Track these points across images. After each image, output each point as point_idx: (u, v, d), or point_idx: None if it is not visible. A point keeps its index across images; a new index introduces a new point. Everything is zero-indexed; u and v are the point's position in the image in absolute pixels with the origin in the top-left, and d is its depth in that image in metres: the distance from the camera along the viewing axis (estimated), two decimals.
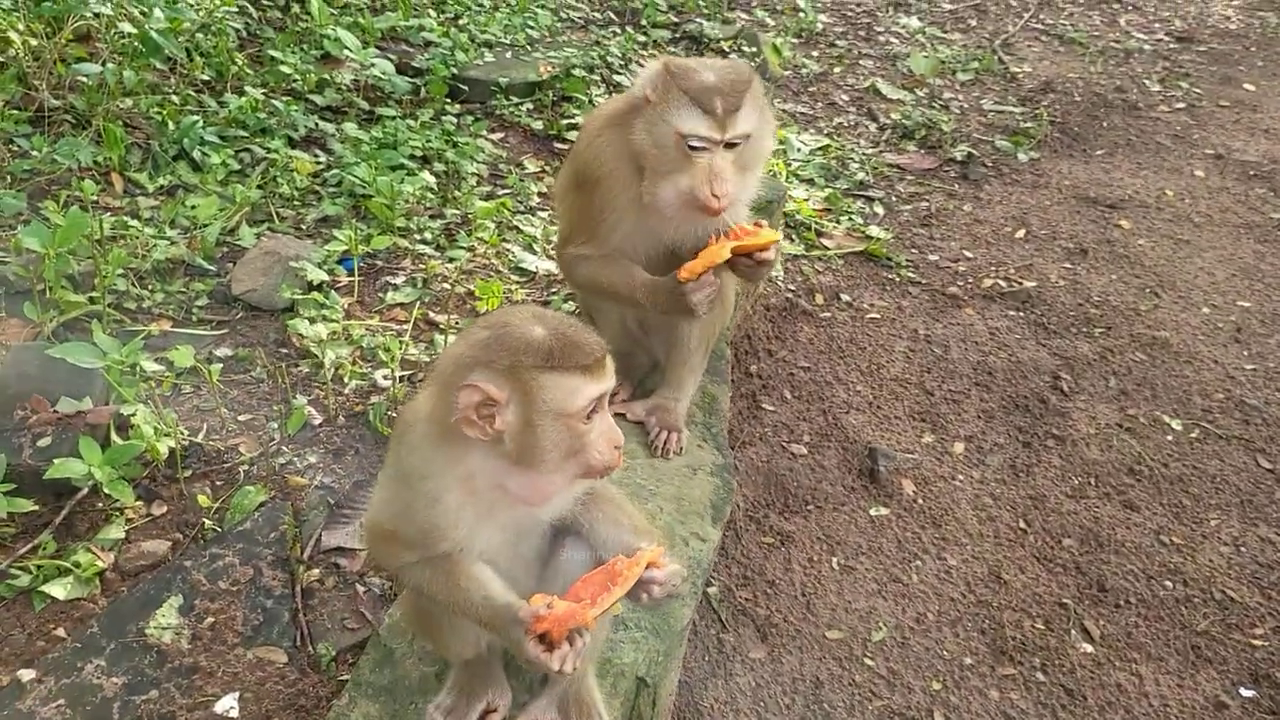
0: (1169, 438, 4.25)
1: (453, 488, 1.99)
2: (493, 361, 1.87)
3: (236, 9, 5.97)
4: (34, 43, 5.02)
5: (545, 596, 1.95)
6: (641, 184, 2.96)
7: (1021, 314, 4.96)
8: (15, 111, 4.69)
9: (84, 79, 4.93)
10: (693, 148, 2.81)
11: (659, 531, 2.27)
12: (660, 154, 2.87)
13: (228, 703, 2.64)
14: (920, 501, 3.85)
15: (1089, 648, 3.33)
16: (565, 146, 5.74)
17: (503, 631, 2.00)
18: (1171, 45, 8.62)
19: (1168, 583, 3.59)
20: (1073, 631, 3.38)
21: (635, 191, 2.99)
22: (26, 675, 2.65)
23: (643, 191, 2.95)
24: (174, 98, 5.24)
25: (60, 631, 2.81)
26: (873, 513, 3.78)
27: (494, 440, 1.90)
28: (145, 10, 5.20)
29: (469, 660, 2.32)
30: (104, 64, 4.83)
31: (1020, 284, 5.17)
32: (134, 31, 5.04)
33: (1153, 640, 3.38)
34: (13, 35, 4.90)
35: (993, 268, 5.33)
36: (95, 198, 4.35)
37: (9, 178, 4.43)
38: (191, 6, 5.41)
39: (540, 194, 5.29)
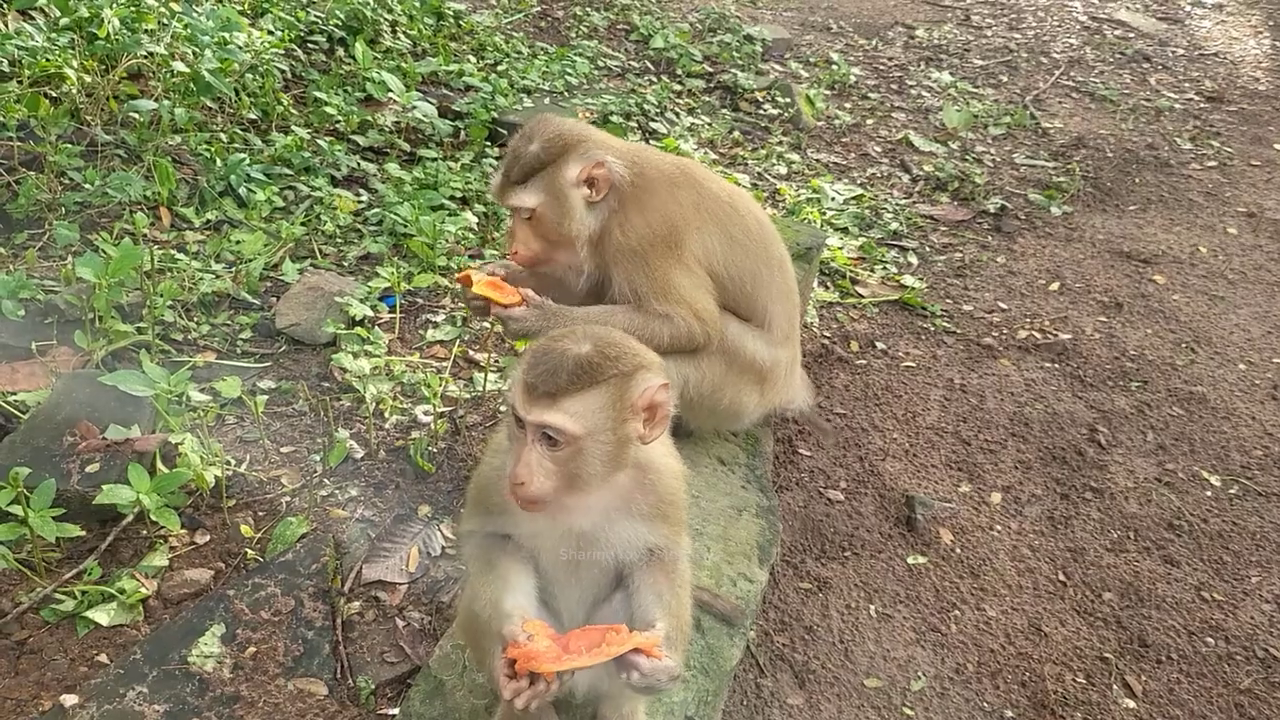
0: (1208, 493, 4.22)
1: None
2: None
3: (283, 51, 6.11)
4: (88, 79, 5.13)
5: (540, 626, 1.97)
6: None
7: (1057, 366, 4.95)
8: (69, 146, 4.78)
9: (135, 115, 5.04)
10: None
11: (683, 630, 2.22)
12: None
13: None
14: (958, 551, 3.83)
15: (1131, 703, 3.28)
16: None
17: (487, 634, 2.07)
18: (1202, 104, 8.66)
19: (1209, 639, 3.55)
20: (1114, 686, 3.34)
21: None
22: (69, 700, 2.66)
23: None
24: (221, 135, 5.34)
25: (103, 657, 2.82)
26: (910, 561, 3.76)
27: None
28: (197, 51, 5.32)
29: None
30: (159, 101, 4.93)
31: (1055, 336, 5.17)
32: (186, 71, 5.16)
33: (1195, 697, 3.33)
34: (68, 72, 5.01)
35: (1027, 319, 5.33)
36: (145, 231, 4.42)
37: (62, 209, 4.52)
38: (242, 49, 5.52)
39: None
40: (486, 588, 2.09)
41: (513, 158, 3.08)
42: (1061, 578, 3.75)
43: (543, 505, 1.99)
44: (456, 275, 3.35)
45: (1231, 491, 4.23)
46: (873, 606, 3.55)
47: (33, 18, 5.46)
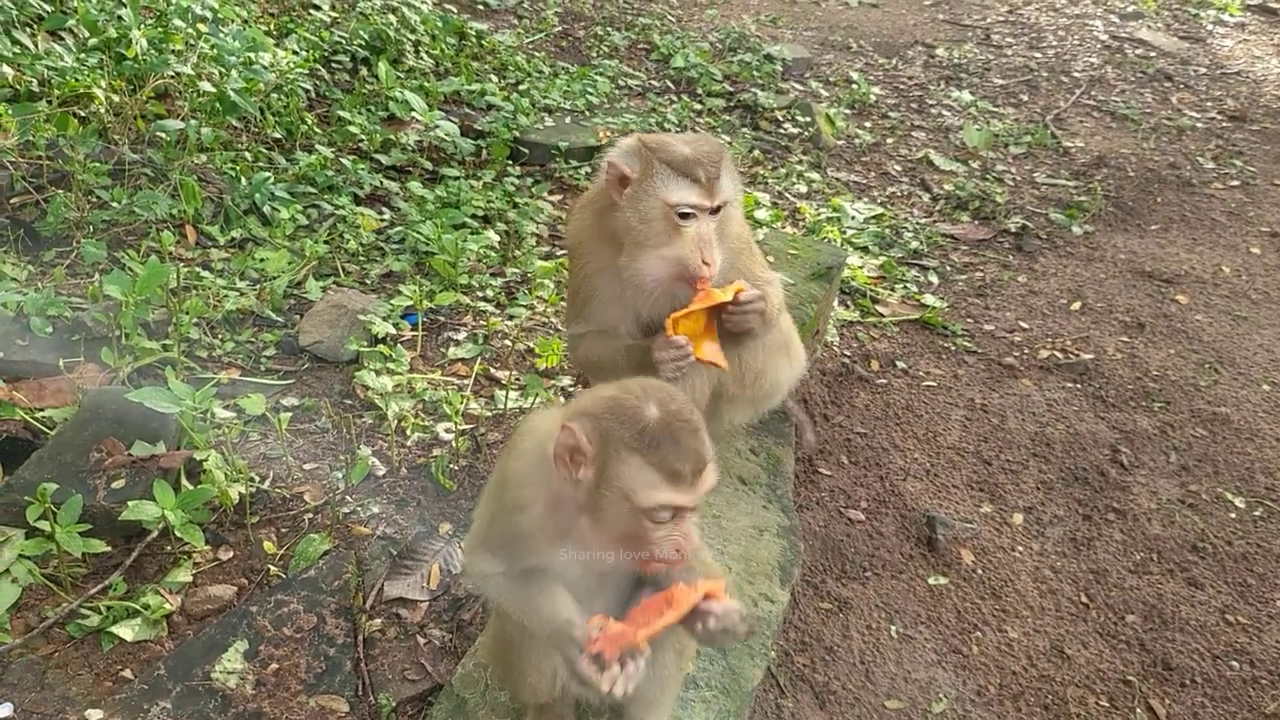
0: (1232, 515, 4.19)
1: (541, 499, 2.04)
2: (600, 417, 1.91)
3: (308, 71, 6.17)
4: (116, 99, 5.20)
5: (603, 618, 1.98)
6: (619, 260, 2.94)
7: (1079, 386, 4.93)
8: (97, 164, 4.84)
9: (162, 135, 5.11)
10: (683, 215, 2.81)
11: (729, 577, 2.27)
12: (646, 228, 2.84)
13: None
14: (980, 572, 3.81)
15: None
16: None
17: (561, 648, 2.05)
18: (1224, 124, 8.63)
19: (1234, 663, 3.51)
20: (1138, 710, 3.31)
21: (615, 269, 2.98)
22: (94, 715, 2.68)
23: (621, 268, 2.94)
24: (246, 154, 5.40)
25: (127, 673, 2.84)
26: (931, 582, 3.74)
27: (574, 484, 1.95)
28: (223, 71, 5.38)
29: (542, 705, 2.32)
30: (186, 120, 4.99)
31: (1077, 356, 5.15)
32: (212, 90, 5.22)
33: None
34: (96, 92, 5.08)
35: (1049, 339, 5.31)
36: (171, 249, 4.47)
37: (89, 227, 4.58)
38: (267, 69, 5.59)
39: None
40: (540, 609, 2.09)
41: (698, 152, 2.82)
42: (1084, 599, 3.73)
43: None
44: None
45: (1256, 513, 4.19)
46: (894, 627, 3.53)
47: (62, 38, 5.54)
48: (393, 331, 4.30)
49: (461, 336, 4.50)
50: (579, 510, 1.99)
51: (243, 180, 5.08)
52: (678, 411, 1.94)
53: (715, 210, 2.85)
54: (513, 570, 2.13)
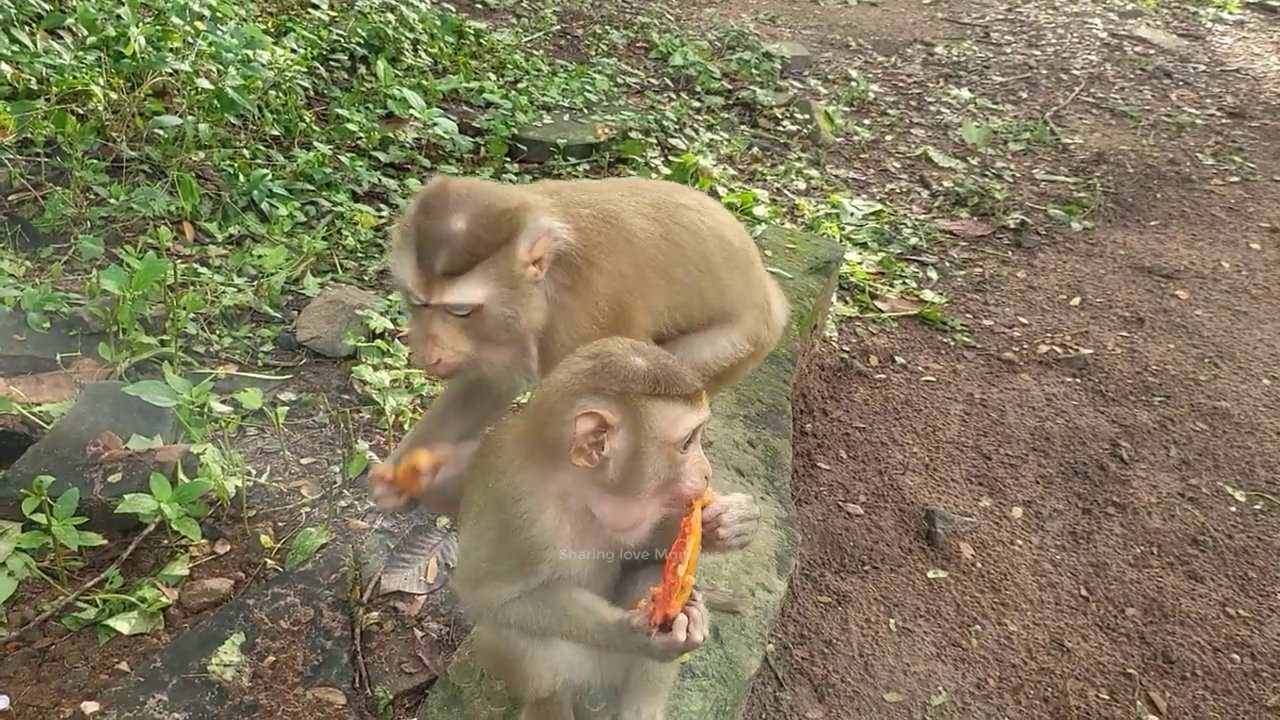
0: (1232, 509, 4.18)
1: (549, 505, 2.00)
2: (602, 388, 1.90)
3: (306, 69, 6.17)
4: (114, 97, 5.20)
5: (646, 600, 2.00)
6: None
7: (1078, 381, 4.92)
8: (94, 161, 4.84)
9: (160, 131, 5.10)
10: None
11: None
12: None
13: None
14: (979, 565, 3.80)
15: (1155, 719, 3.25)
16: None
17: (626, 645, 2.05)
18: (1223, 121, 8.63)
19: (1235, 655, 3.50)
20: (1138, 703, 3.30)
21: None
22: (90, 708, 2.67)
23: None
24: (244, 151, 5.39)
25: (124, 665, 2.83)
26: (930, 575, 3.73)
27: (598, 467, 1.92)
28: (221, 68, 5.38)
29: (540, 700, 2.31)
30: (184, 116, 4.98)
31: (1077, 351, 5.14)
32: (210, 88, 5.22)
33: (1220, 714, 3.29)
34: (94, 89, 5.08)
35: (1048, 334, 5.30)
36: (169, 245, 4.46)
37: (87, 224, 4.57)
38: (265, 66, 5.58)
39: None
40: (579, 619, 2.08)
41: (432, 241, 2.29)
42: (1084, 593, 3.72)
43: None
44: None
45: (1256, 507, 4.19)
46: (892, 620, 3.53)
47: (60, 36, 5.54)
48: (390, 327, 4.30)
49: None
50: (600, 492, 1.97)
51: (241, 177, 5.07)
52: (650, 348, 2.02)
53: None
54: (529, 588, 2.08)
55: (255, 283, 4.53)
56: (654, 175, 6.14)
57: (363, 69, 6.77)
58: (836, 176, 6.95)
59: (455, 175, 5.65)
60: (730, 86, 8.10)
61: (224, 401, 3.66)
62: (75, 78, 5.12)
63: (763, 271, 3.09)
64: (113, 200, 4.68)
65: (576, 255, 2.48)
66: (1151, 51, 10.21)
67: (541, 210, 2.42)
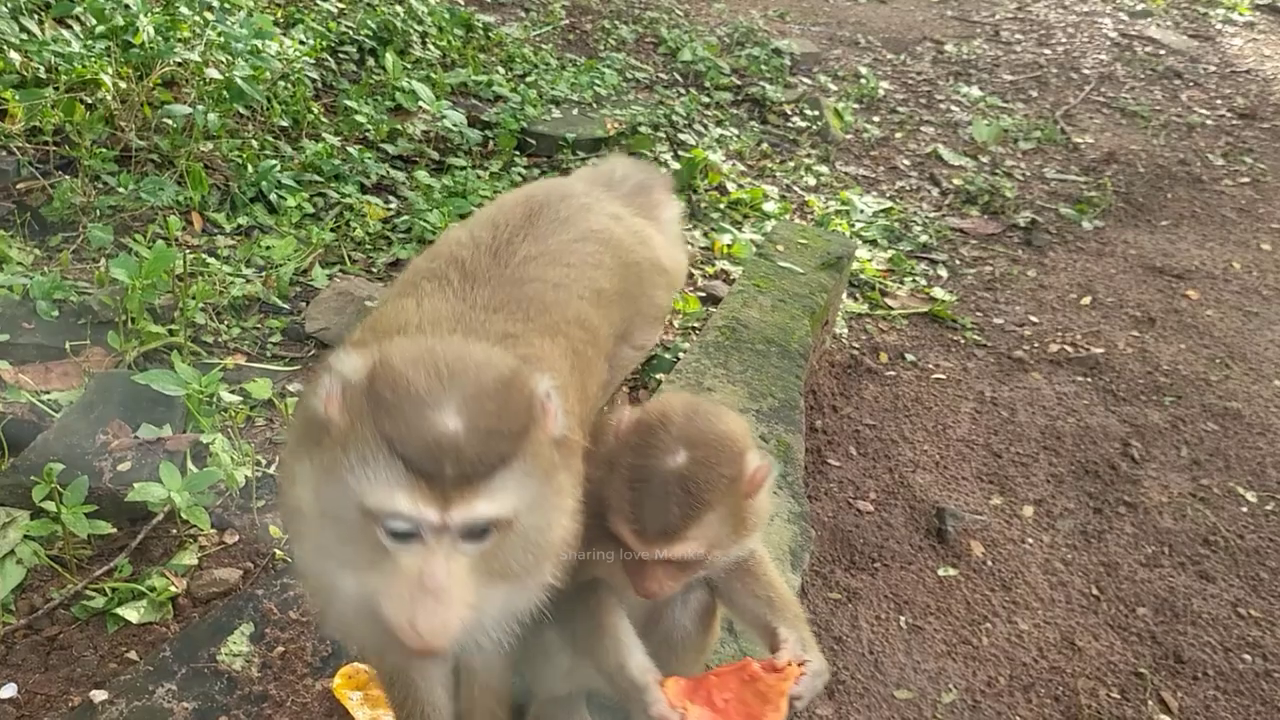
0: (1244, 509, 4.16)
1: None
2: None
3: (314, 60, 6.15)
4: (122, 86, 5.18)
5: (674, 683, 1.94)
6: None
7: (1089, 380, 4.90)
8: (103, 150, 4.83)
9: (169, 121, 5.08)
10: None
11: (795, 607, 2.18)
12: None
13: None
14: (989, 563, 3.78)
15: (1167, 719, 3.22)
16: None
17: (630, 705, 1.99)
18: (1234, 121, 8.60)
19: (1247, 656, 3.48)
20: (1150, 702, 3.28)
21: None
22: (99, 696, 2.65)
23: None
24: (253, 142, 5.37)
25: (132, 654, 2.82)
26: (941, 573, 3.71)
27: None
28: (230, 59, 5.36)
29: (556, 699, 2.30)
30: (194, 106, 4.97)
31: (1087, 350, 5.12)
32: (219, 78, 5.20)
33: (1233, 714, 3.27)
34: (103, 78, 5.06)
35: (1059, 333, 5.28)
36: (177, 235, 4.45)
37: (95, 212, 4.56)
38: (274, 57, 5.57)
39: None
40: (604, 651, 1.99)
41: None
42: (1095, 592, 3.70)
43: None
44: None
45: (1268, 508, 4.16)
46: (903, 618, 3.51)
47: (69, 25, 5.52)
48: None
49: None
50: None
51: (249, 168, 5.06)
52: (700, 448, 1.97)
53: None
54: (581, 577, 2.02)
55: (263, 274, 4.51)
56: (664, 169, 6.12)
57: (371, 61, 6.75)
58: (846, 173, 6.93)
59: (468, 168, 5.63)
60: (739, 82, 8.08)
61: (233, 391, 3.64)
62: (84, 67, 5.10)
63: (637, 245, 2.75)
64: (121, 189, 4.67)
65: None
66: (1162, 52, 10.18)
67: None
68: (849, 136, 7.54)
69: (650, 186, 3.01)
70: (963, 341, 5.14)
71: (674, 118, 6.97)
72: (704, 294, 4.98)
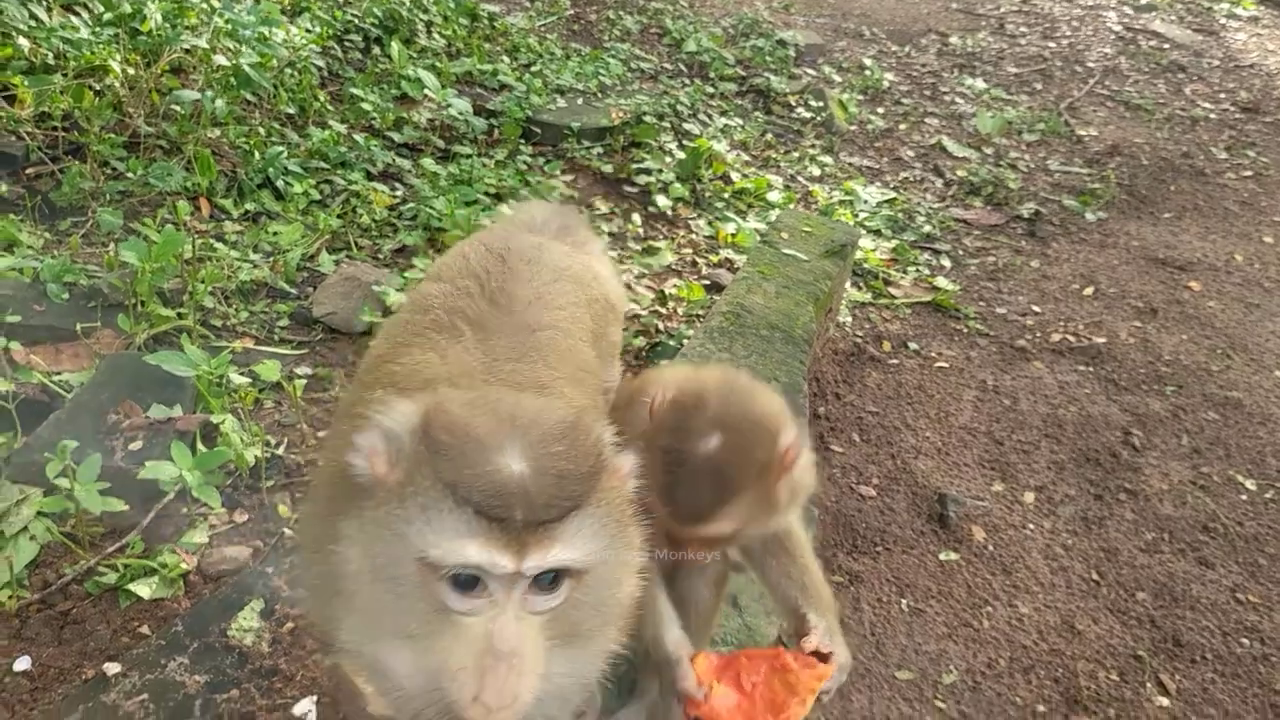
0: (1243, 497, 4.19)
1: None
2: None
3: (321, 48, 6.17)
4: (131, 72, 5.20)
5: (704, 658, 1.96)
6: None
7: (1091, 369, 4.93)
8: (111, 136, 4.85)
9: (176, 107, 5.11)
10: None
11: (827, 595, 2.18)
12: None
13: (305, 706, 2.66)
14: (991, 548, 3.81)
15: (1165, 701, 3.26)
16: (634, 189, 5.84)
17: (659, 668, 2.03)
18: (1237, 115, 8.61)
19: (1245, 640, 3.52)
20: (1148, 684, 3.32)
21: None
22: (112, 669, 2.69)
23: None
24: (260, 129, 5.40)
25: (145, 629, 2.85)
26: (942, 557, 3.75)
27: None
28: (237, 46, 5.39)
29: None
30: (202, 92, 4.99)
31: (1089, 340, 5.15)
32: (226, 65, 5.23)
33: (1230, 697, 3.30)
34: (112, 65, 5.08)
35: (1061, 323, 5.31)
36: (186, 219, 4.48)
37: (105, 197, 4.59)
38: (280, 45, 5.59)
39: (610, 234, 5.37)
40: (643, 619, 1.94)
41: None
42: (1095, 577, 3.73)
43: None
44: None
45: (1267, 496, 4.19)
46: (904, 601, 3.54)
47: (78, 12, 5.55)
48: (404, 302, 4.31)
49: None
50: None
51: (256, 154, 5.08)
52: (732, 444, 1.98)
53: None
54: None
55: (271, 259, 4.54)
56: (667, 159, 6.14)
57: (377, 50, 6.78)
58: (850, 164, 6.95)
59: (473, 156, 5.65)
60: (744, 73, 8.10)
61: (241, 374, 3.67)
62: (92, 53, 5.12)
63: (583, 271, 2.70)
64: (130, 175, 4.69)
65: None
66: (1166, 46, 10.19)
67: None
68: (853, 128, 7.57)
69: (572, 227, 2.99)
70: (965, 330, 5.16)
71: (679, 107, 6.99)
72: (708, 282, 5.01)
